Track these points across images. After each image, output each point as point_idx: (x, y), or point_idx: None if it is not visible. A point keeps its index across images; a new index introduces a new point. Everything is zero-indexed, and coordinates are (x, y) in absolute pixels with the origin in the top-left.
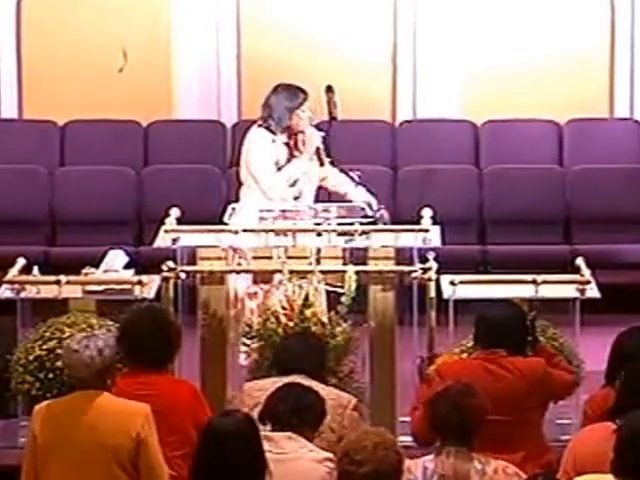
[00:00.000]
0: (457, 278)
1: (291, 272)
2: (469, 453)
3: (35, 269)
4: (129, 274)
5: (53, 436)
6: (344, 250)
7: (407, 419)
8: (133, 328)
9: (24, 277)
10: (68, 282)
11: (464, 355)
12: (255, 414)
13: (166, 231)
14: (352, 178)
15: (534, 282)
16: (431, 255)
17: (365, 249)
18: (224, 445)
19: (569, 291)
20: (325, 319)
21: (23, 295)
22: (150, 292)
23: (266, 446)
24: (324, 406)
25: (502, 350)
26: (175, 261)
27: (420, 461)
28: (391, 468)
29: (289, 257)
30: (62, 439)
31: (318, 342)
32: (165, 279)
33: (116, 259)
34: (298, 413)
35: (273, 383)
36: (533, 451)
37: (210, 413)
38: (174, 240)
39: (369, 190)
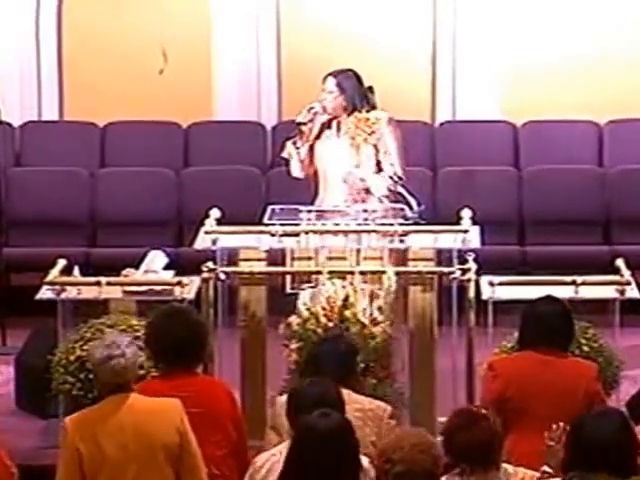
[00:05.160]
0: (496, 279)
1: (331, 273)
2: (497, 468)
3: (76, 270)
4: (169, 275)
5: (101, 447)
6: (383, 251)
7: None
8: (168, 330)
9: (65, 278)
10: (108, 283)
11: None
12: None
13: (206, 232)
14: (392, 178)
15: (574, 283)
16: (470, 256)
17: (405, 250)
18: (321, 445)
19: (609, 292)
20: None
21: (64, 296)
22: (190, 293)
23: None
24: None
25: (554, 348)
26: (215, 262)
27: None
28: (425, 470)
29: (329, 258)
30: (111, 448)
31: (349, 347)
32: (205, 280)
33: (156, 260)
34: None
35: None
36: None
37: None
38: (214, 241)
39: (409, 191)
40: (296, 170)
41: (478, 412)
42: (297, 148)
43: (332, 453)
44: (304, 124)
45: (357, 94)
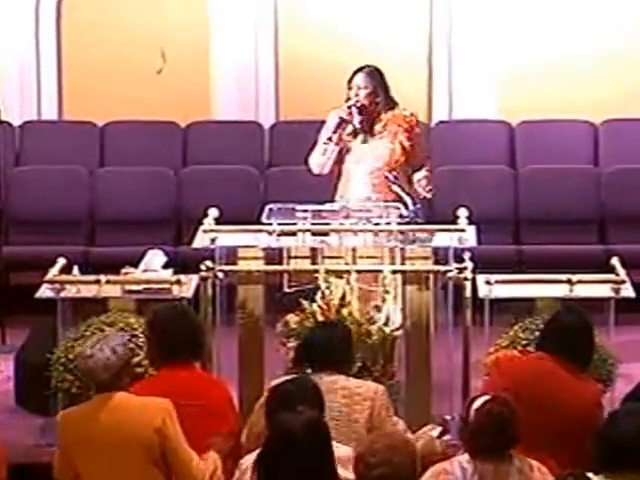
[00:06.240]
0: (493, 278)
1: (328, 272)
2: (509, 456)
3: (75, 269)
4: (168, 274)
5: (83, 443)
6: (380, 250)
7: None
8: (171, 325)
9: (64, 277)
10: (107, 282)
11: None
12: None
13: (204, 231)
14: (388, 178)
15: (569, 281)
16: (467, 255)
17: (401, 249)
18: (292, 443)
19: (604, 290)
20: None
21: (63, 294)
22: (188, 292)
23: None
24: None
25: (570, 362)
26: (213, 261)
27: (455, 461)
28: (403, 469)
29: (326, 257)
30: (91, 445)
31: (341, 334)
32: (203, 279)
33: (155, 259)
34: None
35: None
36: (577, 461)
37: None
38: (212, 240)
39: (404, 190)
40: (315, 165)
41: (509, 401)
42: (336, 144)
43: (303, 451)
44: (345, 121)
45: (388, 90)
